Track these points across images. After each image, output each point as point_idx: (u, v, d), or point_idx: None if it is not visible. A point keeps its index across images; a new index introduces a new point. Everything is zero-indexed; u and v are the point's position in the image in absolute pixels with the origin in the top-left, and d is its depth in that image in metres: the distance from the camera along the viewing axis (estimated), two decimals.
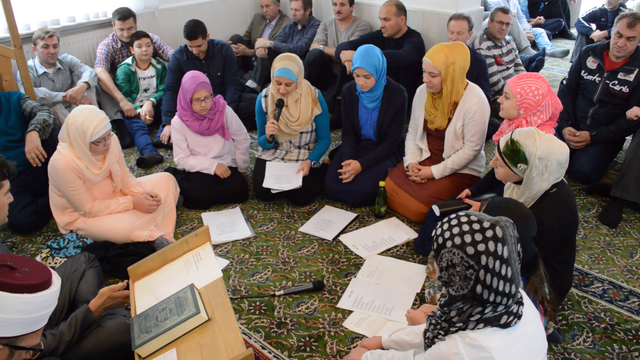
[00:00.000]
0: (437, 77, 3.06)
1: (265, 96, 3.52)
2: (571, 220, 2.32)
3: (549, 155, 2.19)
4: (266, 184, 3.43)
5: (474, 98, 3.11)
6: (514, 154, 2.25)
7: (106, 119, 2.86)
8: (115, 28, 4.56)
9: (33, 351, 1.42)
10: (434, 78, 3.08)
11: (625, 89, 3.59)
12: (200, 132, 3.49)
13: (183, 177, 3.55)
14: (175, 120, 3.50)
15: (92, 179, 2.94)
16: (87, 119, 2.79)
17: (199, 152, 3.58)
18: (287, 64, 3.29)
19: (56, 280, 1.46)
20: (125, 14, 4.51)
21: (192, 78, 3.35)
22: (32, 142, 3.15)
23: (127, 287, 2.18)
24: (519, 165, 2.25)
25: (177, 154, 3.57)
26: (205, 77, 3.40)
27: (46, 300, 1.41)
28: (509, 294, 1.46)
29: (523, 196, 2.30)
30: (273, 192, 3.43)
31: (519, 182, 2.33)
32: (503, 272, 1.44)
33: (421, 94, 3.33)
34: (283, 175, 3.50)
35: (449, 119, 3.21)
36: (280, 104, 3.39)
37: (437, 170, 3.28)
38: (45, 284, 1.41)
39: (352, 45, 4.35)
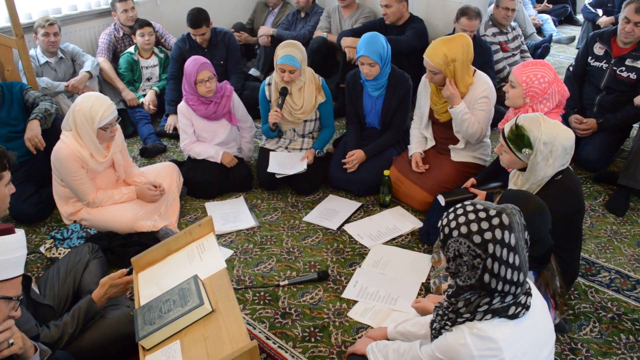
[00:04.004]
0: (439, 75, 3.02)
1: (269, 84, 3.49)
2: (577, 207, 2.29)
3: (554, 140, 2.16)
4: (271, 169, 3.42)
5: (482, 85, 3.07)
6: (519, 139, 2.22)
7: (113, 105, 2.89)
8: (118, 12, 4.49)
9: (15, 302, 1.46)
10: (435, 76, 3.04)
11: (632, 76, 3.54)
12: (206, 116, 3.47)
13: (189, 168, 3.53)
14: (182, 105, 3.48)
15: (96, 168, 2.93)
16: (95, 105, 2.80)
17: (205, 137, 3.55)
18: (291, 51, 3.26)
19: (19, 231, 1.50)
20: None
21: (194, 61, 3.35)
22: (32, 130, 3.14)
23: (129, 273, 2.17)
24: (523, 150, 2.21)
25: (183, 139, 3.55)
26: (206, 59, 3.39)
27: (13, 243, 1.44)
28: (517, 282, 1.44)
29: (528, 182, 2.26)
30: (278, 176, 3.41)
31: (523, 169, 2.29)
32: (511, 260, 1.42)
33: (426, 84, 3.28)
34: (287, 162, 3.48)
35: None
36: (284, 92, 3.36)
37: (462, 107, 3.05)
38: (8, 231, 1.45)
39: (354, 33, 4.30)
